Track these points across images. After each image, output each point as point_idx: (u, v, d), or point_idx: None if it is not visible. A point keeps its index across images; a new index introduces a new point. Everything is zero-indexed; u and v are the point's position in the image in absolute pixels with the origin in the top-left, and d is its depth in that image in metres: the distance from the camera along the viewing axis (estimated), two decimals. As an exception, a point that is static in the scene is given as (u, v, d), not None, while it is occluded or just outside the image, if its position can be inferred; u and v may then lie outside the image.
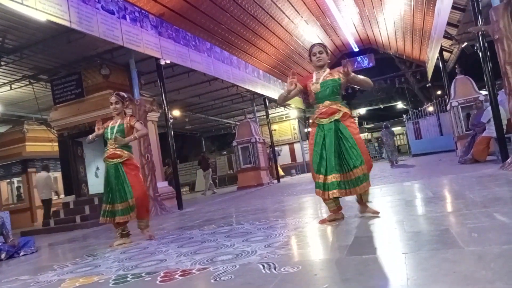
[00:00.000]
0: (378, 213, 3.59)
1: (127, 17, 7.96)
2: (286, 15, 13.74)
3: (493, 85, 7.07)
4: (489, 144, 8.25)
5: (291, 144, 22.81)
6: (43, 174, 10.24)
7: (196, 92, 14.59)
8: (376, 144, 28.56)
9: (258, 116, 18.24)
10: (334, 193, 3.41)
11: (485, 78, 7.14)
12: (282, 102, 3.99)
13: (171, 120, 9.76)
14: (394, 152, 13.76)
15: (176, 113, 16.35)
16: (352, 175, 3.39)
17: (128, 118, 4.48)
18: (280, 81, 17.96)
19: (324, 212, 4.42)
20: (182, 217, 6.86)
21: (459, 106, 11.59)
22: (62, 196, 10.21)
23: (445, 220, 3.12)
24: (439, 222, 3.00)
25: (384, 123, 15.07)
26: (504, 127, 7.32)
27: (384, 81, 23.54)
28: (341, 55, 21.72)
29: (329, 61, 3.72)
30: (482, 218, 2.83)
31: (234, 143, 15.56)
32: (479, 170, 6.83)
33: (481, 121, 8.33)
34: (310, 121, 3.73)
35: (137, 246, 4.06)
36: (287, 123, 23.08)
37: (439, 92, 21.61)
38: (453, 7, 9.72)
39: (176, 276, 2.48)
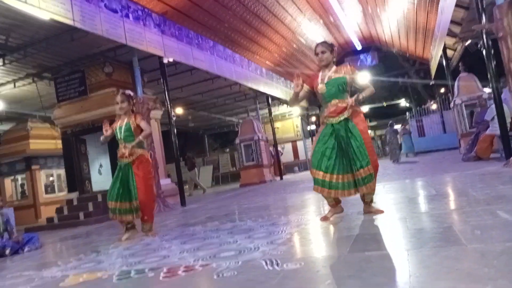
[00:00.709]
0: (382, 212, 3.57)
1: (130, 15, 7.97)
2: (289, 13, 13.72)
3: (497, 83, 7.04)
4: (493, 141, 8.23)
5: (293, 141, 22.82)
6: None
7: (199, 90, 14.60)
8: (379, 142, 28.51)
9: (260, 114, 18.23)
10: (341, 193, 3.40)
11: (488, 76, 7.11)
12: (293, 104, 3.98)
13: (174, 118, 9.79)
14: (397, 150, 14.30)
15: (179, 111, 16.38)
16: (359, 174, 3.36)
17: (134, 116, 4.43)
18: (283, 79, 17.94)
19: (327, 210, 4.43)
20: (185, 214, 6.89)
21: (463, 104, 11.55)
22: (65, 193, 10.26)
23: (448, 217, 3.12)
24: (442, 219, 3.00)
25: (390, 121, 15.33)
26: (508, 125, 7.29)
27: (387, 79, 23.47)
28: (344, 53, 21.66)
29: (334, 59, 3.66)
30: (485, 215, 2.83)
31: (237, 141, 15.58)
32: (482, 167, 6.81)
33: (485, 118, 8.31)
34: (321, 120, 3.67)
35: (140, 242, 4.08)
36: (290, 121, 23.08)
37: (442, 90, 21.54)
38: (457, 5, 9.67)
39: (179, 272, 2.49)
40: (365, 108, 28.35)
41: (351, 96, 3.61)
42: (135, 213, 4.26)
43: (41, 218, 11.42)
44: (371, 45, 21.84)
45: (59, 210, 8.85)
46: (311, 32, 16.11)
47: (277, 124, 21.29)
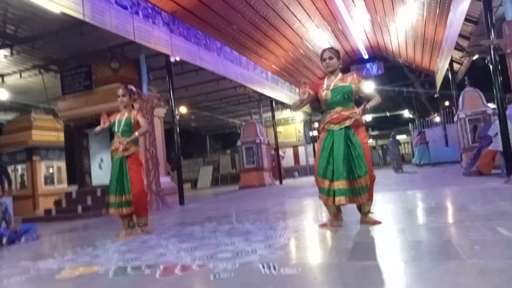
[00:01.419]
0: (380, 223, 3.52)
1: (140, 13, 7.99)
2: (298, 19, 13.74)
3: (502, 99, 7.02)
4: (495, 157, 8.20)
5: (295, 146, 22.80)
6: None
7: (204, 90, 14.61)
8: (380, 152, 28.48)
9: (264, 118, 18.23)
10: (340, 200, 3.37)
11: (494, 91, 7.10)
12: (296, 109, 3.98)
13: (178, 117, 9.79)
14: (398, 160, 14.78)
15: (183, 110, 16.38)
16: (358, 183, 3.35)
17: (135, 112, 4.49)
18: (288, 84, 17.94)
19: (325, 216, 4.41)
20: (183, 213, 6.88)
21: (467, 118, 11.53)
22: (65, 185, 10.26)
23: (447, 231, 3.11)
24: (441, 232, 2.99)
25: (392, 133, 15.73)
26: (511, 141, 7.26)
27: (392, 89, 23.46)
28: (350, 61, 21.66)
29: (340, 66, 3.67)
30: (485, 231, 2.82)
31: (239, 143, 15.57)
32: (483, 183, 6.79)
33: (488, 134, 8.29)
34: (321, 126, 3.65)
35: (138, 239, 4.07)
36: (292, 125, 23.06)
37: (447, 103, 21.50)
38: (466, 19, 9.67)
39: (176, 271, 2.49)
40: (368, 117, 28.37)
41: (356, 105, 3.61)
42: (128, 207, 4.25)
43: (39, 209, 11.43)
44: (378, 54, 21.82)
45: (57, 203, 8.85)
46: (319, 38, 16.12)
47: (279, 129, 21.28)
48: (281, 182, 16.09)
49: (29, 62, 9.75)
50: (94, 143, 9.85)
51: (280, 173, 16.74)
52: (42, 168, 12.39)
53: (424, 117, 21.36)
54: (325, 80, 3.66)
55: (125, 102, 4.47)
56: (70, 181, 9.51)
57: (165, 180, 9.84)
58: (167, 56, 9.01)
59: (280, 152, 18.34)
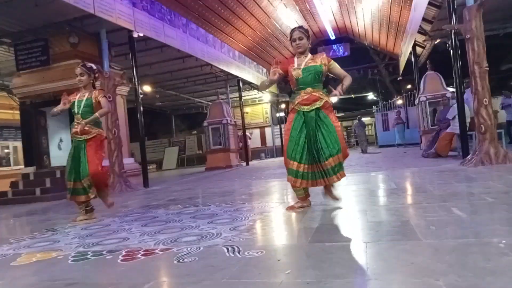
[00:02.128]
0: (339, 199, 3.61)
1: (100, -16, 7.58)
2: (266, -3, 13.56)
3: (460, 83, 7.30)
4: (452, 140, 8.58)
5: (262, 128, 22.87)
6: None
7: (169, 68, 14.24)
8: (345, 133, 29.14)
9: (231, 98, 18.08)
10: (307, 183, 3.41)
11: (453, 75, 7.36)
12: (264, 89, 3.91)
13: (141, 96, 9.51)
14: (364, 142, 15.77)
15: (147, 88, 15.94)
16: (328, 164, 3.34)
17: (97, 92, 4.28)
18: (255, 63, 17.82)
19: (290, 198, 4.48)
20: (148, 196, 6.77)
21: (427, 101, 11.95)
22: (22, 167, 9.81)
23: (406, 211, 3.23)
24: (400, 213, 3.10)
25: (358, 116, 16.27)
26: (467, 124, 7.61)
27: (357, 71, 23.85)
28: (317, 42, 21.76)
29: (310, 46, 3.61)
30: (441, 211, 2.95)
31: (205, 123, 15.42)
32: (440, 164, 7.11)
33: (447, 117, 8.63)
34: (290, 106, 3.60)
35: (99, 222, 3.97)
36: (259, 106, 23.06)
37: (409, 86, 22.17)
38: (429, 3, 9.89)
39: (138, 256, 2.44)
40: (333, 99, 28.75)
41: (324, 86, 3.60)
42: (89, 191, 4.10)
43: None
44: (344, 36, 22.04)
45: (14, 185, 8.45)
46: (287, 17, 16.03)
47: (246, 109, 21.22)
48: (247, 164, 16.16)
49: (-22, 34, 9.09)
50: (53, 122, 9.42)
51: (246, 154, 16.78)
52: (-3, 147, 11.79)
53: (388, 100, 21.95)
54: (295, 59, 3.61)
55: (84, 82, 4.25)
56: (27, 162, 9.09)
57: (129, 161, 9.62)
58: (129, 32, 8.66)
59: (247, 133, 18.35)
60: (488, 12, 7.30)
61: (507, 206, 2.97)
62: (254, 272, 1.95)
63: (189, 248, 2.48)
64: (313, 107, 3.45)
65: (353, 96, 29.28)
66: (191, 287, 1.83)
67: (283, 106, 22.20)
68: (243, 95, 17.61)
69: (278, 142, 22.14)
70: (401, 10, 13.55)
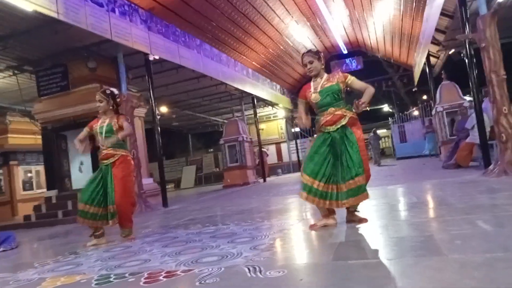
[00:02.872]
0: (366, 221, 3.47)
1: (116, 10, 7.84)
2: (277, 14, 13.74)
3: (478, 92, 7.19)
4: (472, 150, 8.40)
5: (277, 143, 22.85)
6: None
7: (184, 88, 14.48)
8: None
9: (246, 115, 18.20)
10: (318, 201, 3.35)
11: (470, 84, 7.26)
12: (303, 123, 3.81)
13: (159, 116, 9.67)
14: (378, 154, 16.32)
15: (164, 109, 16.21)
16: (350, 185, 3.26)
17: (117, 117, 4.26)
18: (269, 80, 17.95)
19: (310, 215, 4.44)
20: (167, 215, 6.81)
21: (444, 112, 11.78)
22: (44, 190, 10.01)
23: (428, 226, 3.16)
24: (423, 228, 3.04)
25: (373, 128, 16.41)
26: (487, 133, 7.46)
27: (371, 84, 23.73)
28: (330, 57, 21.83)
29: (323, 66, 3.59)
30: (465, 225, 2.88)
31: (221, 141, 15.52)
32: (461, 175, 6.95)
33: (465, 127, 8.48)
34: (317, 128, 3.57)
35: (121, 244, 4.01)
36: (274, 122, 23.11)
37: (424, 97, 21.93)
38: (442, 14, 9.86)
39: (160, 278, 2.45)
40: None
41: (347, 102, 3.56)
42: (110, 219, 4.05)
43: (18, 216, 11.13)
44: (357, 49, 22.06)
45: (37, 208, 8.64)
46: (298, 34, 16.17)
47: (261, 126, 21.30)
48: (264, 180, 16.12)
49: (2, 63, 9.44)
50: (73, 146, 9.64)
51: (263, 170, 16.76)
52: (20, 172, 12.07)
53: (403, 111, 21.73)
54: (311, 83, 3.61)
55: (102, 108, 4.26)
56: (49, 186, 9.28)
57: (148, 182, 9.72)
58: (145, 55, 8.87)
59: (264, 150, 18.37)
60: (502, 19, 7.23)
61: (535, 217, 2.89)
62: (277, 293, 1.93)
63: (210, 269, 2.47)
64: (339, 126, 3.41)
65: (368, 109, 29.05)
66: (214, 309, 1.82)
67: (316, 128, 22.15)
68: (257, 112, 17.71)
69: (294, 157, 22.06)
70: (412, 22, 13.53)
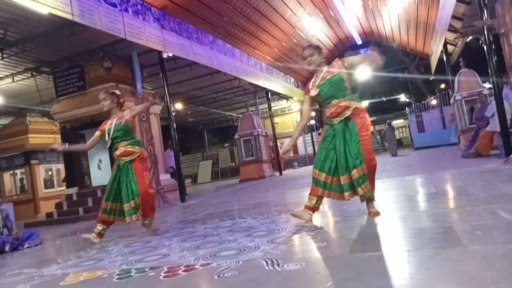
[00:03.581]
0: (378, 214, 3.42)
1: (129, 9, 7.91)
2: (289, 8, 13.64)
3: (497, 79, 7.01)
4: (493, 138, 8.22)
5: (293, 137, 22.75)
6: None
7: (199, 84, 14.55)
8: (378, 137, 28.52)
9: (260, 109, 18.19)
10: (328, 193, 3.37)
11: (489, 72, 7.08)
12: (307, 118, 3.86)
13: (174, 113, 9.75)
14: (394, 145, 16.34)
15: (179, 106, 16.33)
16: (353, 176, 3.27)
17: (124, 113, 4.33)
18: (282, 74, 17.87)
19: (327, 207, 4.43)
20: (185, 210, 6.89)
21: (463, 100, 11.52)
22: (64, 188, 10.24)
23: (448, 217, 3.11)
24: (443, 219, 3.00)
25: (388, 120, 16.38)
26: (508, 121, 7.28)
27: (387, 74, 23.40)
28: (344, 48, 21.57)
29: (323, 59, 3.57)
30: (486, 215, 2.83)
31: (237, 136, 15.56)
32: (482, 164, 6.80)
33: (485, 115, 8.29)
34: (324, 121, 3.64)
35: (140, 239, 4.08)
36: (289, 116, 23.03)
37: (442, 86, 21.49)
38: (458, 0, 9.61)
39: (179, 272, 2.49)
40: (365, 103, 28.33)
41: (353, 91, 3.54)
42: (137, 211, 4.13)
43: (40, 213, 11.43)
44: (371, 39, 21.72)
45: (58, 205, 8.85)
46: (311, 26, 16.02)
47: (276, 119, 21.25)
48: (281, 173, 16.12)
49: (20, 65, 9.67)
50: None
51: (279, 164, 16.76)
52: (41, 171, 12.36)
53: (421, 101, 21.36)
54: (313, 78, 3.60)
55: (107, 106, 4.32)
56: (69, 183, 9.49)
57: (165, 178, 9.84)
58: (159, 52, 8.94)
59: (279, 143, 18.34)
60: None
61: (559, 206, 2.81)
62: (294, 286, 1.94)
63: (228, 263, 2.50)
64: (342, 118, 3.40)
65: (384, 99, 28.73)
66: (233, 302, 1.84)
67: (312, 114, 22.05)
68: (272, 105, 17.68)
69: (310, 150, 21.96)
70: (428, 10, 13.24)
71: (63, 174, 11.22)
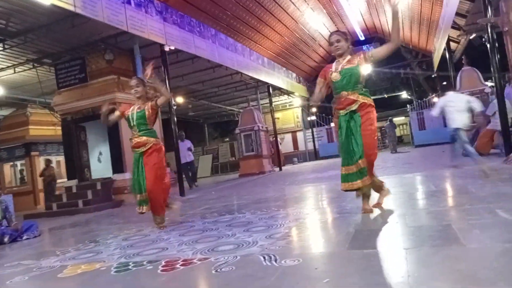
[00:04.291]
0: (371, 211, 3.43)
1: (132, 2, 7.86)
2: (292, 2, 13.57)
3: (500, 78, 6.98)
4: (493, 137, 8.19)
5: (294, 132, 22.74)
6: None
7: (200, 78, 14.51)
8: (378, 134, 28.48)
9: (261, 104, 18.15)
10: (348, 185, 3.36)
11: (492, 70, 7.05)
12: (317, 101, 3.83)
13: (175, 107, 9.73)
14: (394, 142, 16.58)
15: (180, 99, 16.30)
16: (354, 168, 3.30)
17: (150, 103, 4.22)
18: (284, 69, 17.81)
19: (326, 204, 4.43)
20: (184, 204, 6.87)
21: (465, 98, 11.46)
22: (64, 180, 10.25)
23: (447, 215, 3.11)
24: (441, 217, 2.99)
25: (389, 117, 16.47)
26: (510, 120, 7.25)
27: (389, 70, 23.31)
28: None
29: (350, 48, 3.55)
30: (485, 214, 2.82)
31: (237, 131, 15.54)
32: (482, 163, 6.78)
33: (486, 114, 8.26)
34: (333, 112, 3.62)
35: (139, 233, 4.08)
36: (290, 111, 22.98)
37: (444, 83, 21.39)
38: (462, -3, 9.55)
39: (177, 266, 2.49)
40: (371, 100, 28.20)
41: (365, 87, 3.52)
42: (145, 205, 4.09)
43: (40, 205, 11.46)
44: (374, 35, 21.63)
45: (58, 198, 8.86)
46: (314, 21, 15.95)
47: (277, 114, 21.20)
48: (280, 169, 16.12)
49: (22, 56, 9.64)
50: (92, 136, 9.82)
51: (279, 159, 16.75)
52: (41, 163, 12.37)
53: (422, 98, 21.29)
54: (333, 64, 3.57)
55: (140, 92, 4.21)
56: (69, 176, 9.50)
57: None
58: (161, 46, 8.90)
59: (279, 139, 18.32)
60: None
61: (558, 206, 2.80)
62: (292, 282, 1.94)
63: (226, 257, 2.50)
64: (348, 111, 3.39)
65: (385, 96, 28.63)
66: (230, 297, 1.85)
67: (314, 109, 22.01)
68: (273, 100, 17.63)
69: (310, 146, 21.94)
70: (432, 6, 13.15)
71: (63, 166, 11.21)
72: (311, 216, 3.77)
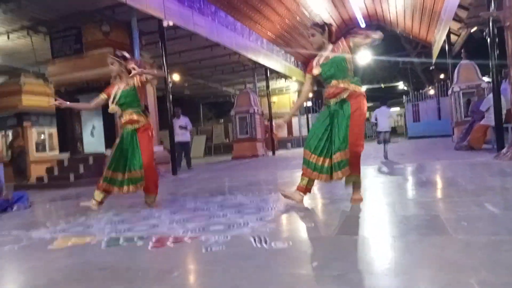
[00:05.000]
0: (360, 200, 3.39)
1: (131, -27, 7.67)
2: (295, -16, 13.35)
3: (497, 73, 6.99)
4: (487, 132, 8.27)
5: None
6: None
7: (197, 56, 14.33)
8: (372, 124, 28.50)
9: (258, 87, 18.04)
10: (317, 175, 3.36)
11: (490, 64, 7.05)
12: (306, 96, 3.90)
13: (171, 85, 9.63)
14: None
15: (176, 77, 16.13)
16: (335, 159, 3.27)
17: (134, 79, 4.06)
18: (283, 52, 17.64)
19: (317, 189, 4.46)
20: (176, 183, 6.91)
21: (461, 92, 11.52)
22: (56, 152, 10.18)
23: (436, 206, 3.16)
24: (430, 207, 3.05)
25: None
26: (503, 116, 7.31)
27: (388, 59, 23.26)
28: (347, 29, 21.28)
29: (327, 39, 3.49)
30: (473, 206, 2.87)
31: (232, 112, 15.47)
32: (473, 157, 6.87)
33: (480, 109, 8.31)
34: (323, 101, 3.62)
35: (130, 209, 4.10)
36: (286, 95, 22.91)
37: (442, 76, 21.43)
38: (466, -11, 9.46)
39: (168, 243, 2.51)
40: (362, 88, 28.18)
41: (355, 74, 3.53)
42: (139, 183, 3.96)
43: (30, 177, 11.40)
44: (375, 23, 21.42)
45: (49, 170, 8.81)
46: (316, 5, 15.73)
47: (273, 99, 21.12)
48: (274, 153, 16.16)
49: (16, 23, 9.39)
50: (86, 110, 9.71)
51: (273, 143, 16.77)
52: (34, 134, 12.25)
53: (419, 90, 21.32)
54: (317, 57, 3.55)
55: (116, 71, 4.13)
56: (61, 148, 9.43)
57: (158, 149, 9.80)
58: (160, 20, 8.75)
59: (274, 123, 18.29)
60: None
61: (545, 203, 2.86)
62: (280, 263, 1.97)
63: (216, 237, 2.52)
64: (339, 99, 3.36)
65: (382, 85, 28.62)
66: (218, 274, 1.88)
67: (310, 95, 21.96)
68: (270, 84, 17.52)
69: (304, 132, 21.97)
70: (435, -4, 13.03)
71: (56, 139, 11.12)
72: (303, 202, 3.80)
